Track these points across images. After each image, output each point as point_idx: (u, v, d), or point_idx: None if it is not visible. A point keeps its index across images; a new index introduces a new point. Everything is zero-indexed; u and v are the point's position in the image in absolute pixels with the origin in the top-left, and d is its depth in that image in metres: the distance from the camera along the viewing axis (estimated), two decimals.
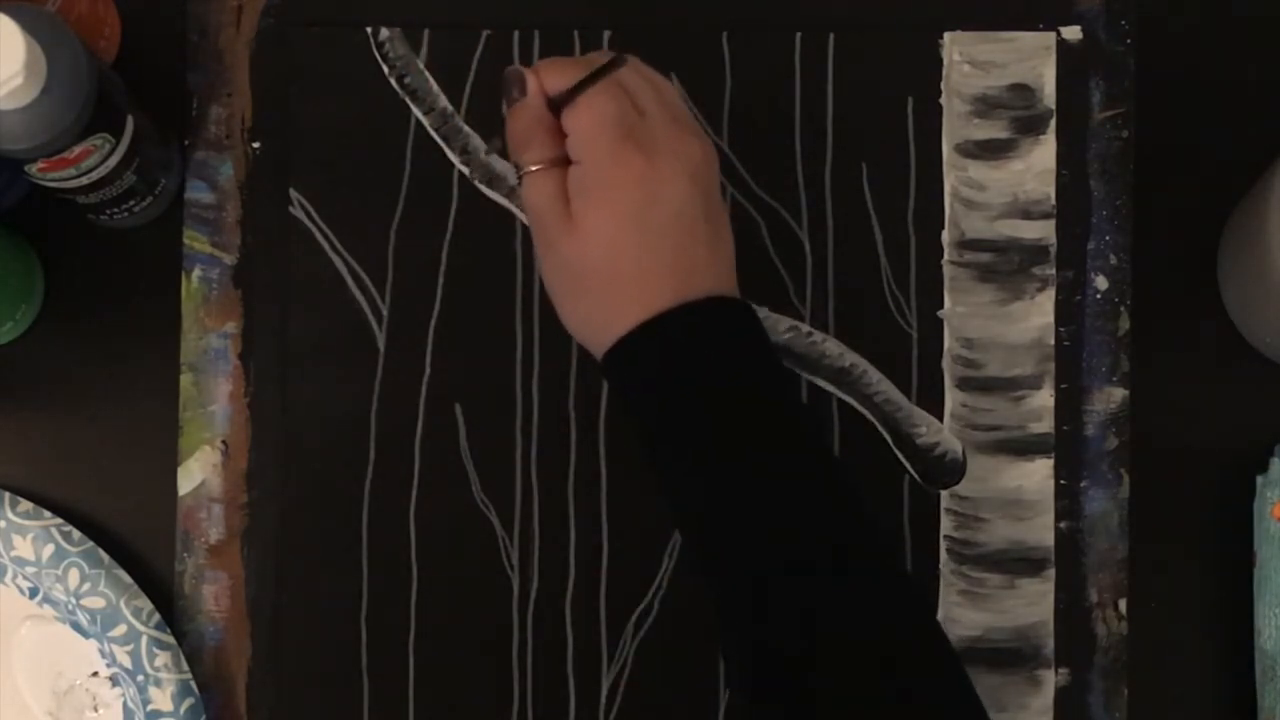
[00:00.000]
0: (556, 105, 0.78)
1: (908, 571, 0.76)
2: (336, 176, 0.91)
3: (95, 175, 0.83)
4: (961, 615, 0.90)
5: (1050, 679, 0.89)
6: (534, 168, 0.78)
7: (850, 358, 0.91)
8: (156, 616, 0.88)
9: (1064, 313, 0.91)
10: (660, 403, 0.76)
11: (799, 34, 0.92)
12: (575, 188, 0.77)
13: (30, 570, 0.88)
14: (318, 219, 0.91)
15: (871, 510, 0.75)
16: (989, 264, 0.91)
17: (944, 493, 0.90)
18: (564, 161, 0.78)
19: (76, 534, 0.88)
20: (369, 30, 0.92)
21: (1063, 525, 0.90)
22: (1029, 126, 0.92)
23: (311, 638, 0.90)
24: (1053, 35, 0.92)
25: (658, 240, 0.76)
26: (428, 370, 0.91)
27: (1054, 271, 0.91)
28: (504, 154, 0.90)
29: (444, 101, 0.92)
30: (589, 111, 0.77)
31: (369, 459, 0.90)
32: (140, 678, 0.88)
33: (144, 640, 0.88)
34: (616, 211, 0.76)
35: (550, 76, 0.78)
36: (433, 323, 0.91)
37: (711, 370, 0.76)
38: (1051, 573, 0.90)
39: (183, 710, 0.88)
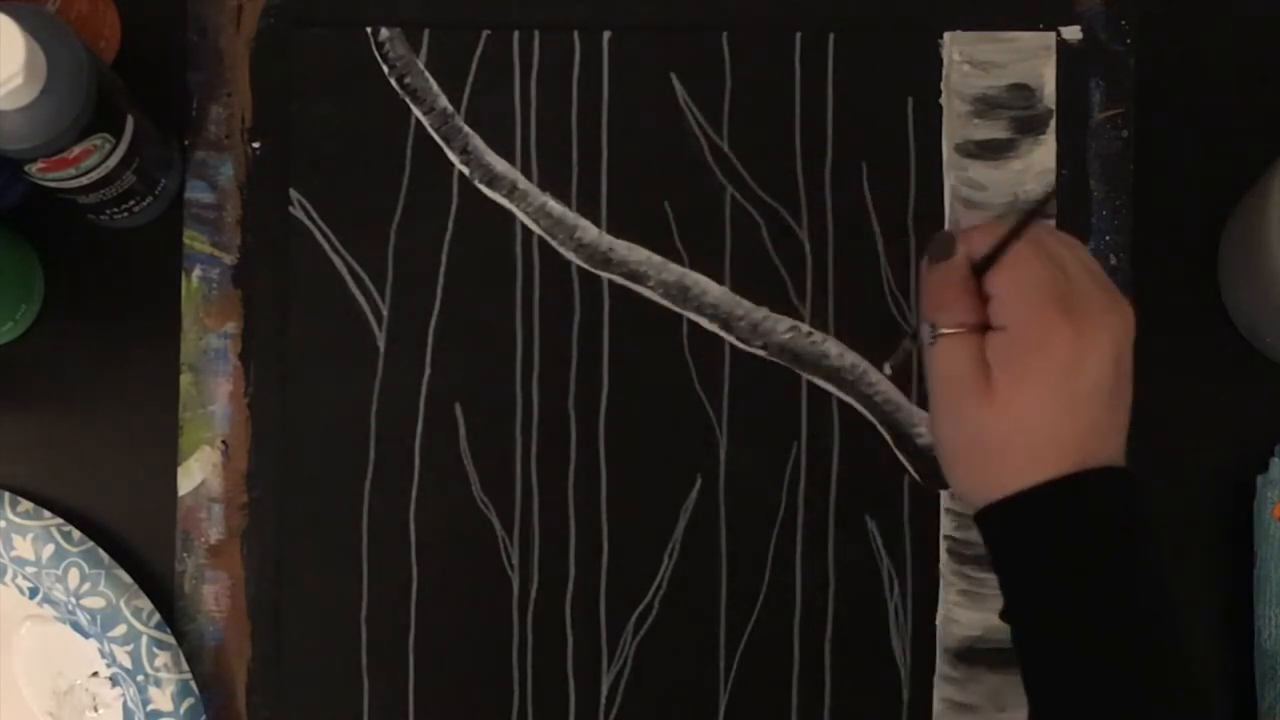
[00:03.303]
0: (979, 269, 0.76)
1: None
2: (336, 176, 0.91)
3: (95, 175, 0.83)
4: (961, 615, 0.90)
5: None
6: (950, 331, 0.76)
7: (850, 358, 0.91)
8: (156, 616, 0.88)
9: None
10: (1026, 563, 0.74)
11: (799, 34, 0.92)
12: (998, 355, 0.74)
13: (30, 570, 0.88)
14: (318, 219, 0.91)
15: (1208, 697, 0.74)
16: None
17: (944, 493, 0.90)
18: (981, 328, 0.75)
19: (76, 534, 0.88)
20: (369, 30, 0.92)
21: None
22: (1029, 126, 0.92)
23: (311, 638, 0.90)
24: (1053, 35, 0.92)
25: (1075, 413, 0.74)
26: (428, 370, 0.91)
27: None
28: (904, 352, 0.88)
29: (444, 101, 0.92)
30: (1016, 274, 0.75)
31: (369, 459, 0.90)
32: (140, 678, 0.88)
33: (144, 640, 0.88)
34: (1041, 382, 0.74)
35: (974, 239, 0.76)
36: (433, 323, 0.91)
37: (1089, 546, 0.74)
38: None
39: (183, 710, 0.88)
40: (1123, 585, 0.73)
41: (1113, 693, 0.72)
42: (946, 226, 0.91)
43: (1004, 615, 0.76)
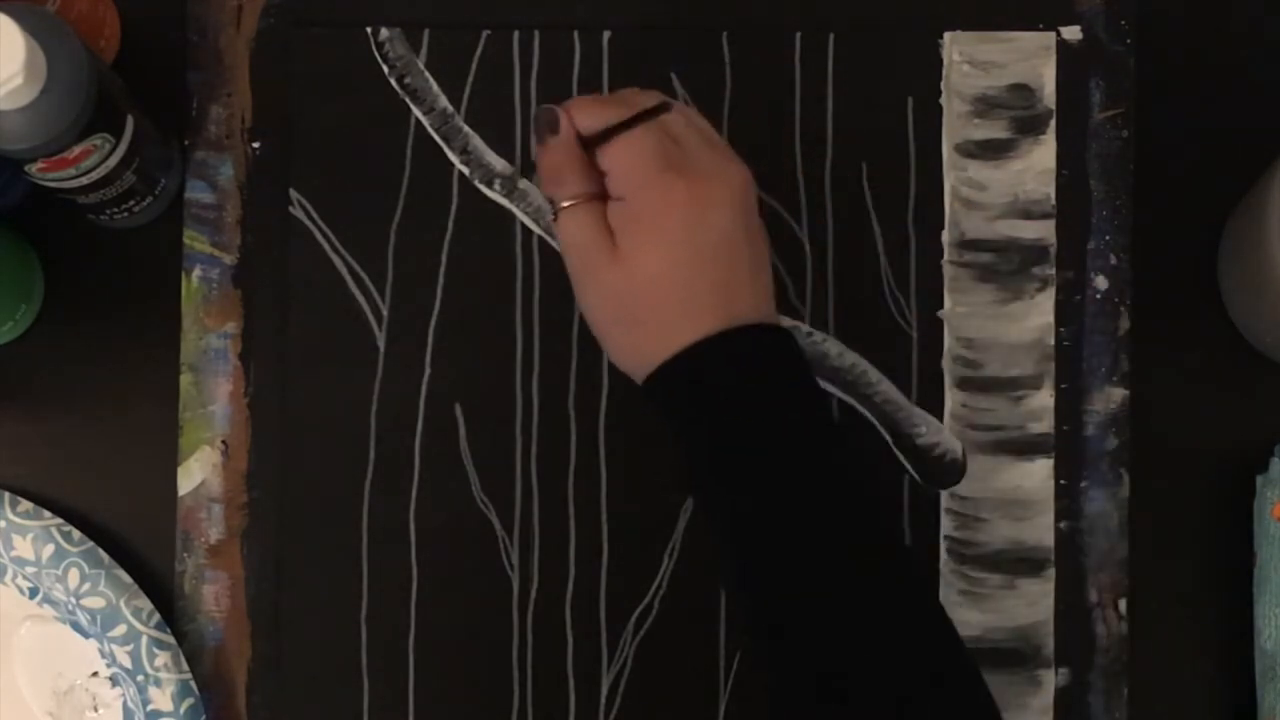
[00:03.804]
0: (589, 143, 0.78)
1: (937, 603, 0.76)
2: (336, 176, 0.91)
3: (95, 175, 0.83)
4: (961, 615, 0.90)
5: (1050, 679, 0.89)
6: (569, 202, 0.78)
7: (850, 358, 0.91)
8: (156, 616, 0.88)
9: (1064, 313, 0.91)
10: (705, 426, 0.76)
11: (799, 34, 0.92)
12: (620, 222, 0.77)
13: (30, 570, 0.88)
14: (318, 219, 0.91)
15: (904, 540, 0.75)
16: (989, 264, 0.91)
17: (944, 493, 0.90)
18: (599, 196, 0.78)
19: (76, 534, 0.88)
20: (369, 30, 0.92)
21: (1063, 525, 0.90)
22: (1029, 126, 0.92)
23: (311, 638, 0.90)
24: (1053, 35, 0.92)
25: (704, 265, 0.76)
26: (428, 370, 0.91)
27: (1054, 271, 0.91)
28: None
29: (444, 101, 0.92)
30: (626, 146, 0.77)
31: (369, 459, 0.90)
32: (140, 678, 0.88)
33: (144, 640, 0.88)
34: (664, 239, 0.76)
35: (582, 115, 0.78)
36: (433, 323, 0.91)
37: (755, 397, 0.75)
38: (1051, 573, 0.90)
39: (183, 710, 0.88)
40: (792, 431, 0.75)
41: (806, 538, 0.74)
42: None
43: (686, 479, 0.78)
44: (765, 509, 0.75)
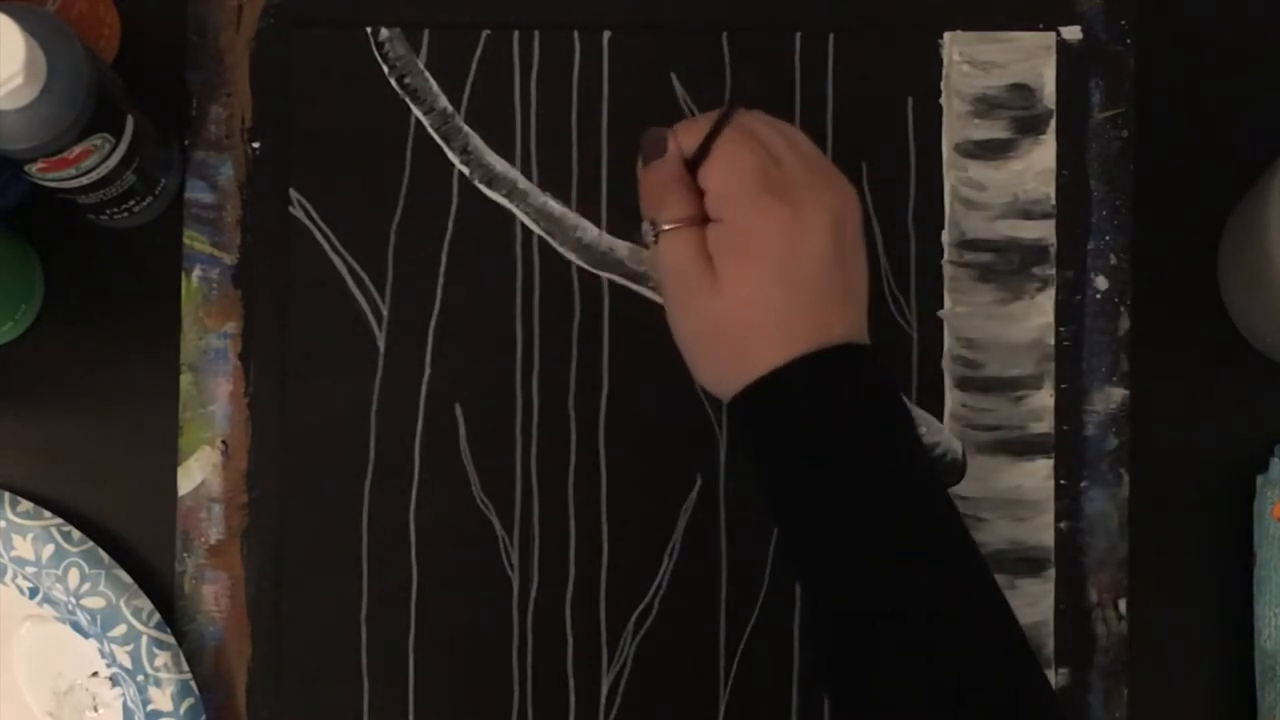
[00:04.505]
0: (692, 164, 0.78)
1: (1020, 630, 0.76)
2: (336, 176, 0.91)
3: (95, 175, 0.83)
4: None
5: (1050, 679, 0.89)
6: (670, 226, 0.78)
7: None
8: (156, 616, 0.88)
9: (1064, 313, 0.91)
10: (781, 449, 0.76)
11: (799, 34, 0.92)
12: (718, 246, 0.76)
13: (30, 570, 0.88)
14: (318, 219, 0.91)
15: (986, 566, 0.75)
16: (989, 264, 0.91)
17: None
18: (700, 220, 0.77)
19: (76, 534, 0.88)
20: (369, 30, 0.92)
21: (1063, 525, 0.90)
22: (1029, 126, 0.92)
23: (311, 638, 0.90)
24: (1053, 35, 0.92)
25: (799, 291, 0.76)
26: (428, 370, 0.91)
27: (1054, 271, 0.91)
28: (627, 237, 0.90)
29: (444, 101, 0.92)
30: (726, 166, 0.77)
31: (369, 459, 0.90)
32: (140, 678, 0.88)
33: (144, 640, 0.88)
34: (761, 265, 0.76)
35: (686, 136, 0.78)
36: (433, 323, 0.91)
37: (842, 419, 0.75)
38: (1051, 573, 0.90)
39: (183, 710, 0.88)
40: (878, 453, 0.75)
41: (889, 567, 0.74)
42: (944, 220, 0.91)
43: (762, 499, 0.77)
44: (846, 526, 0.74)
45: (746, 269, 0.76)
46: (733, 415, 0.78)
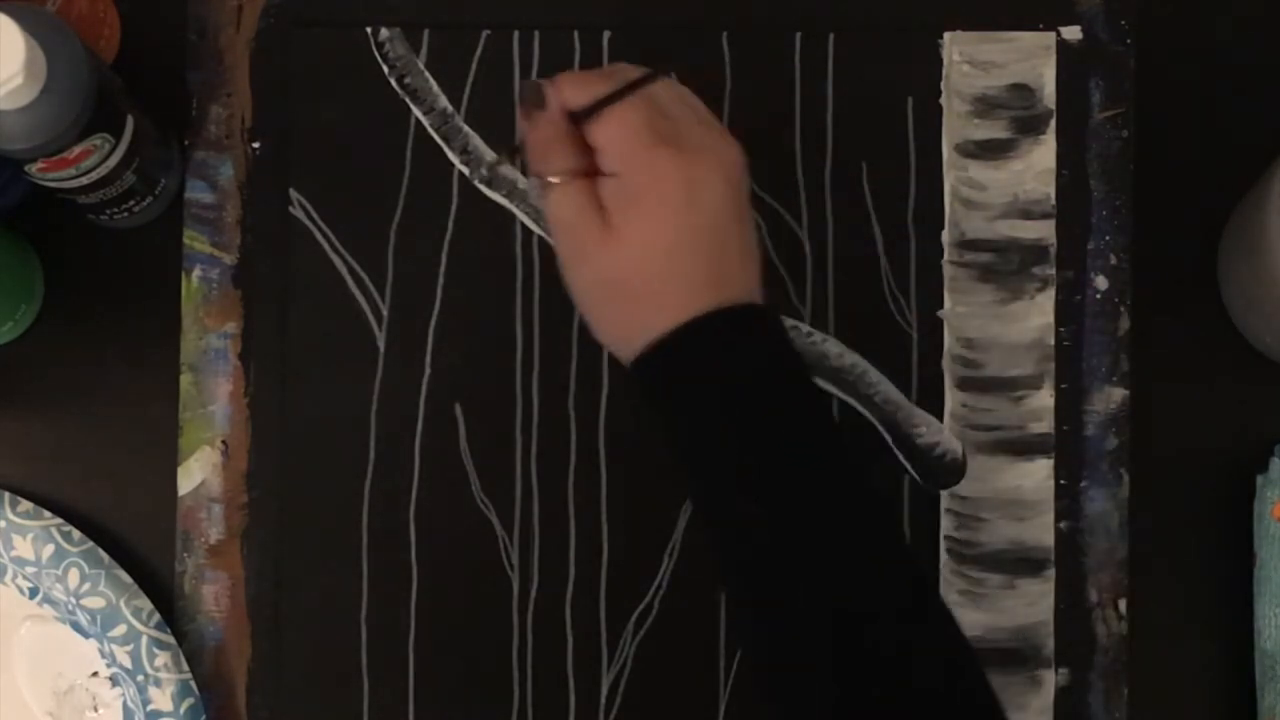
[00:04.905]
0: (578, 118, 0.77)
1: (932, 587, 0.76)
2: (336, 176, 0.91)
3: (95, 175, 0.83)
4: (962, 615, 0.89)
5: (1050, 679, 0.89)
6: (558, 179, 0.77)
7: (850, 358, 0.91)
8: (156, 616, 0.88)
9: (1064, 313, 0.91)
10: (693, 407, 0.75)
11: (799, 34, 0.92)
12: (614, 199, 0.76)
13: (30, 570, 0.88)
14: (318, 219, 0.91)
15: (897, 519, 0.75)
16: (989, 264, 0.91)
17: (944, 493, 0.90)
18: (588, 172, 0.77)
19: (76, 534, 0.88)
20: (369, 30, 0.92)
21: (1063, 525, 0.90)
22: (1029, 126, 0.92)
23: (311, 638, 0.90)
24: (1053, 35, 0.92)
25: (697, 241, 0.75)
26: (428, 370, 0.91)
27: (1054, 271, 0.91)
28: (514, 166, 0.90)
29: (444, 101, 0.92)
30: (617, 122, 0.76)
31: (369, 459, 0.90)
32: (140, 678, 0.88)
33: (144, 640, 0.88)
34: (656, 214, 0.75)
35: (570, 89, 0.77)
36: (433, 323, 0.91)
37: (746, 378, 0.75)
38: (1051, 573, 0.90)
39: (183, 710, 0.88)
40: (779, 412, 0.74)
41: (796, 517, 0.73)
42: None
43: (673, 458, 0.76)
44: (753, 481, 0.74)
45: (645, 219, 0.75)
46: (636, 373, 0.76)
